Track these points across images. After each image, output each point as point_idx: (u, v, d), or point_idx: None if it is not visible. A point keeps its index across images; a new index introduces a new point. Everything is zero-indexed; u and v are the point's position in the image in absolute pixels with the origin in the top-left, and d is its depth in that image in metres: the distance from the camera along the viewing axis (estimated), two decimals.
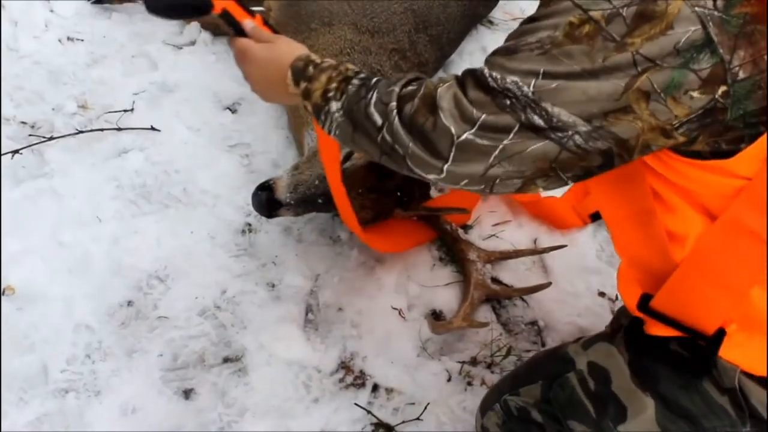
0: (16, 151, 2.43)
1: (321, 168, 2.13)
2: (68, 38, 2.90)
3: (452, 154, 1.17)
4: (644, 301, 1.34)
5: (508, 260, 2.36)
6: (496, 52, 1.18)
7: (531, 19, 1.17)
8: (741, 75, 1.08)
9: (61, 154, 2.48)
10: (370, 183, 2.15)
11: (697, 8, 1.05)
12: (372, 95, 1.29)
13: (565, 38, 1.09)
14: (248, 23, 1.57)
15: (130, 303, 2.16)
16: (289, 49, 1.50)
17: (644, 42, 1.06)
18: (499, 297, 2.29)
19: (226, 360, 2.09)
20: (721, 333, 1.27)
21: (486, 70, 1.15)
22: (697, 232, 1.24)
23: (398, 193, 2.21)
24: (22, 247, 2.23)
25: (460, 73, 1.24)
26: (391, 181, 2.14)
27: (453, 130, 1.16)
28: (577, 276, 2.37)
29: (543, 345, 2.21)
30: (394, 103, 1.24)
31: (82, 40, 2.90)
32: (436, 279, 2.33)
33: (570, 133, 1.11)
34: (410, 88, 1.26)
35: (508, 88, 1.12)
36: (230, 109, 2.75)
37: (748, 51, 1.07)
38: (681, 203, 1.24)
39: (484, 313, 2.26)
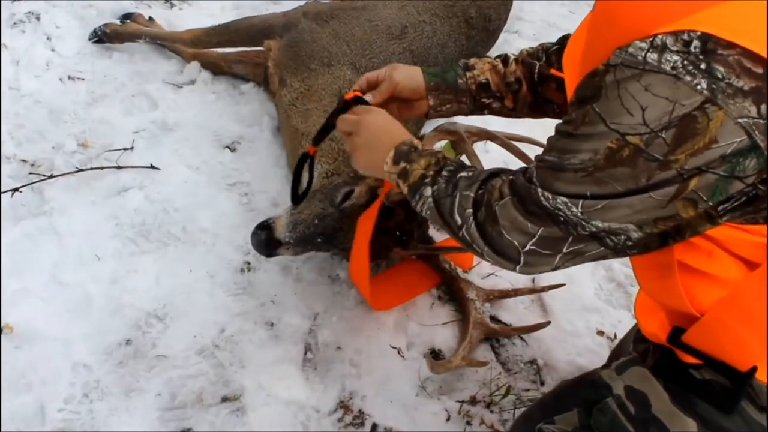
0: (16, 189, 2.43)
1: (320, 207, 2.14)
2: (69, 77, 2.92)
3: (522, 259, 1.31)
4: (675, 335, 1.38)
5: (507, 299, 2.38)
6: (542, 164, 1.27)
7: (568, 134, 1.22)
8: None
9: (61, 192, 2.48)
10: None
11: (740, 119, 1.05)
12: (456, 195, 1.42)
13: (606, 162, 1.15)
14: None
15: (128, 342, 2.15)
16: (400, 132, 1.64)
17: (688, 158, 1.09)
18: (498, 336, 2.30)
19: (224, 399, 2.07)
20: (753, 369, 1.30)
21: (539, 189, 1.25)
22: (733, 275, 1.28)
23: (397, 233, 2.22)
24: (21, 286, 2.22)
25: (512, 170, 1.39)
26: (391, 221, 2.15)
27: (516, 243, 1.30)
28: (575, 315, 2.38)
29: (542, 384, 2.21)
30: (470, 210, 1.38)
31: (83, 79, 2.93)
32: (435, 318, 2.33)
33: (623, 237, 1.21)
34: (481, 191, 1.38)
35: (559, 208, 1.22)
36: (229, 148, 2.77)
37: None
38: (715, 249, 1.28)
39: (483, 352, 2.27)
